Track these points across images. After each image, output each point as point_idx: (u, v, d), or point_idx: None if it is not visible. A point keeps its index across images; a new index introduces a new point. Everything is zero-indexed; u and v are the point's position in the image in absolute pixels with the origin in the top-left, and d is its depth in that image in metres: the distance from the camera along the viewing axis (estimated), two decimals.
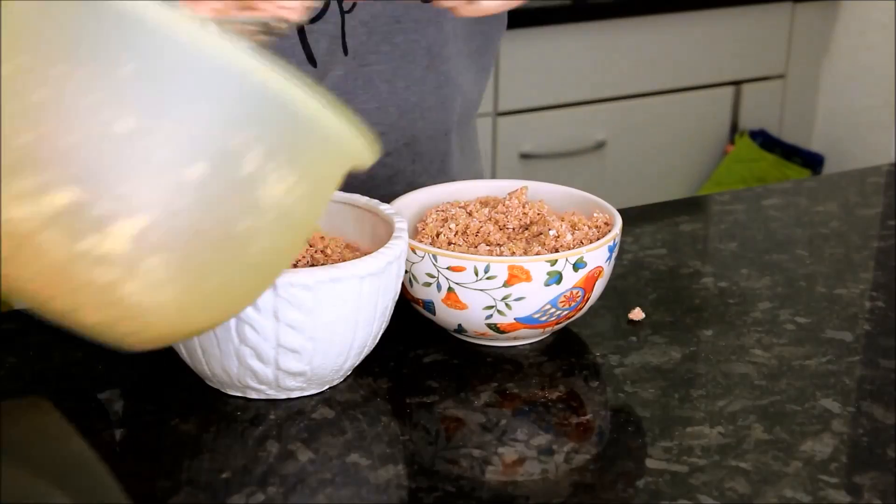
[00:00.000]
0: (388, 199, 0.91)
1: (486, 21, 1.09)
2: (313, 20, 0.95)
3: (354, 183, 0.96)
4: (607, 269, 0.86)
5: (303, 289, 0.74)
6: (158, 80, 0.52)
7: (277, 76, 0.55)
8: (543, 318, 0.84)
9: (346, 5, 0.96)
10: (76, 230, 0.53)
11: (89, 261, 0.53)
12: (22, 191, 0.52)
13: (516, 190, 0.92)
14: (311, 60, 0.97)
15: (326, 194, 0.63)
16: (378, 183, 1.04)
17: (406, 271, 0.84)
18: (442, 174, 1.10)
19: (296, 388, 0.79)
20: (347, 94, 1.00)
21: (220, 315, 0.61)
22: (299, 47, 0.95)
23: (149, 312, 0.56)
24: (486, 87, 1.17)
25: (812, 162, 2.57)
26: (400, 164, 1.06)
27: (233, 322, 0.74)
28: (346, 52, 0.98)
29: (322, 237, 0.83)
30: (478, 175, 1.18)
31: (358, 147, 0.62)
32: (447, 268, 0.82)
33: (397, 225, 0.81)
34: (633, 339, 0.90)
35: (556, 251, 0.85)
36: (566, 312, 0.85)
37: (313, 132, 0.58)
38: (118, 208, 0.53)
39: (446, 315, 0.85)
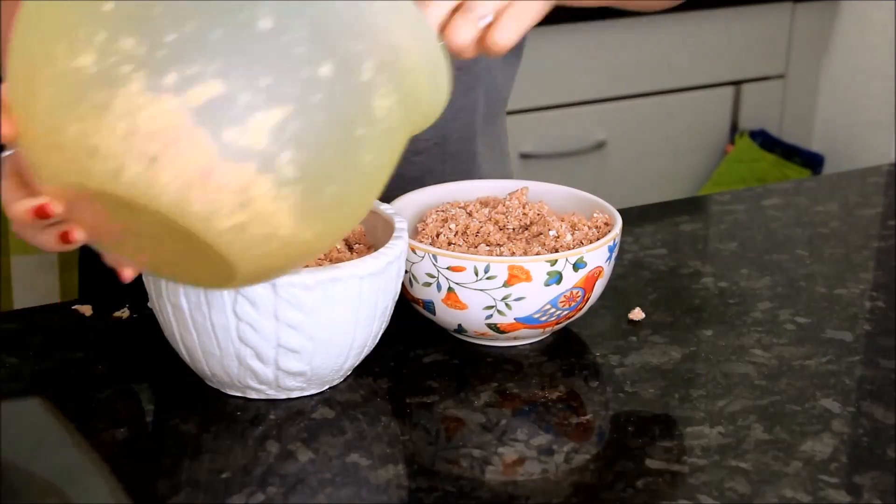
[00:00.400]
0: None
1: None
2: None
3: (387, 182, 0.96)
4: (607, 270, 0.86)
5: (303, 289, 0.74)
6: None
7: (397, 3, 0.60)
8: (543, 318, 0.84)
9: None
10: (219, 122, 0.55)
11: (230, 154, 0.56)
12: (169, 85, 0.55)
13: (516, 190, 0.92)
14: None
15: (405, 133, 0.65)
16: (408, 181, 1.03)
17: (406, 271, 0.84)
18: (471, 175, 1.10)
19: (296, 388, 0.79)
20: None
21: (333, 230, 0.63)
22: None
23: (274, 217, 0.58)
24: (513, 84, 1.16)
25: (812, 162, 2.57)
26: (430, 164, 1.06)
27: (233, 322, 0.74)
28: None
29: None
30: (507, 177, 1.17)
31: (438, 97, 0.65)
32: (447, 268, 0.82)
33: (397, 225, 0.81)
34: (633, 339, 0.90)
35: (556, 251, 0.85)
36: (566, 312, 0.85)
37: (415, 61, 0.62)
38: (258, 100, 0.55)
39: (446, 315, 0.85)
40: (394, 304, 0.81)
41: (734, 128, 2.59)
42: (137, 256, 0.67)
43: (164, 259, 0.65)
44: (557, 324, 0.86)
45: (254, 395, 0.79)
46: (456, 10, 0.74)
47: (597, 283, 0.86)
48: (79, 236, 0.64)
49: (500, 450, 0.75)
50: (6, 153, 0.66)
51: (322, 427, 0.77)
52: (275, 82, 0.56)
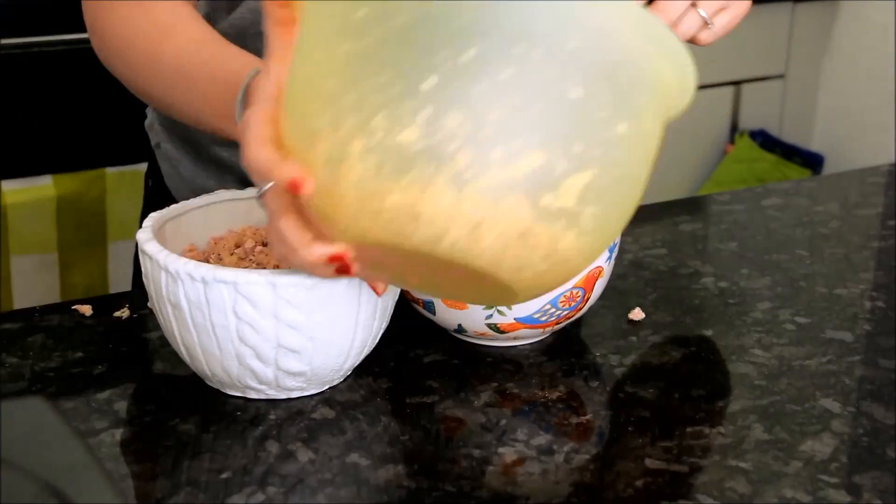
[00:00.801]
0: None
1: None
2: None
3: None
4: (607, 269, 0.86)
5: (303, 289, 0.74)
6: (600, 50, 0.60)
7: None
8: (543, 318, 0.84)
9: None
10: (538, 189, 0.59)
11: (544, 217, 0.60)
12: (496, 159, 0.58)
13: None
14: None
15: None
16: None
17: None
18: None
19: (296, 388, 0.79)
20: None
21: (606, 245, 0.67)
22: None
23: (570, 259, 0.63)
24: None
25: (812, 162, 2.57)
26: None
27: (233, 322, 0.74)
28: None
29: None
30: None
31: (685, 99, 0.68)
32: None
33: None
34: (633, 339, 0.90)
35: None
36: (566, 312, 0.85)
37: (675, 86, 0.66)
38: (571, 166, 0.60)
39: (446, 315, 0.85)
40: (394, 304, 0.81)
41: (734, 128, 2.59)
42: (407, 279, 0.71)
43: (435, 282, 0.69)
44: (557, 324, 0.86)
45: (254, 395, 0.79)
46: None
47: (597, 283, 0.86)
48: (355, 269, 0.67)
49: (500, 450, 0.75)
50: (267, 187, 0.68)
51: (322, 427, 0.77)
52: (585, 147, 0.60)
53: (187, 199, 1.08)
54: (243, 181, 1.05)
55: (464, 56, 0.58)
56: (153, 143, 1.13)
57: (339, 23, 0.61)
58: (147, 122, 1.14)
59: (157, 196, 1.14)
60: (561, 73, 0.59)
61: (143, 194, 1.19)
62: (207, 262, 0.81)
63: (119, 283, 1.90)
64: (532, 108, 0.59)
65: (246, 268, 0.77)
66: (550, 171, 0.59)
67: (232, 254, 0.82)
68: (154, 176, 1.15)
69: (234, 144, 1.01)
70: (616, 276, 0.98)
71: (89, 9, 0.91)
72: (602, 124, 0.60)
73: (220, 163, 1.07)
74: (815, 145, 2.66)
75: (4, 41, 1.78)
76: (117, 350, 0.86)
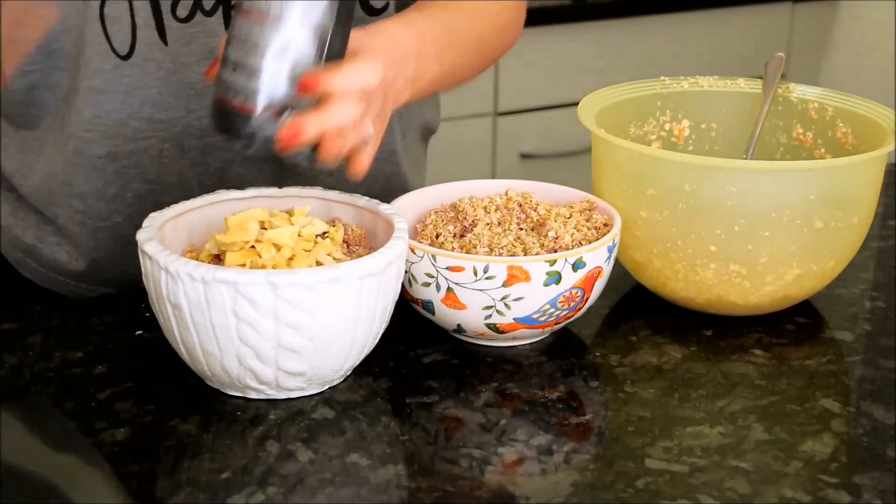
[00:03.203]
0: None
1: None
2: None
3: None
4: (606, 270, 0.86)
5: (303, 289, 0.74)
6: None
7: None
8: (543, 319, 0.84)
9: None
10: None
11: None
12: None
13: (515, 191, 0.92)
14: None
15: None
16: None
17: (405, 271, 0.84)
18: (388, 194, 1.01)
19: (296, 388, 0.79)
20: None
21: None
22: None
23: None
24: (439, 106, 1.15)
25: None
26: (345, 181, 0.98)
27: (233, 322, 0.74)
28: None
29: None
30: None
31: None
32: (446, 268, 0.82)
33: (397, 225, 0.81)
34: (633, 339, 0.90)
35: (556, 252, 0.85)
36: (565, 312, 0.85)
37: None
38: None
39: (445, 315, 0.85)
40: (394, 304, 0.81)
41: None
42: None
43: None
44: (557, 324, 0.86)
45: (254, 395, 0.79)
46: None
47: (596, 283, 0.86)
48: None
49: (500, 450, 0.75)
50: None
51: (322, 427, 0.77)
52: None
53: (6, 250, 1.05)
54: (63, 233, 1.00)
55: None
56: None
57: None
58: None
59: None
60: None
61: None
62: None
63: None
64: None
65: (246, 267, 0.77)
66: None
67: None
68: None
69: (49, 188, 0.98)
70: (616, 276, 0.98)
71: None
72: None
73: (43, 212, 1.01)
74: None
75: None
76: (117, 350, 0.86)
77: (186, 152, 0.96)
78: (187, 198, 0.91)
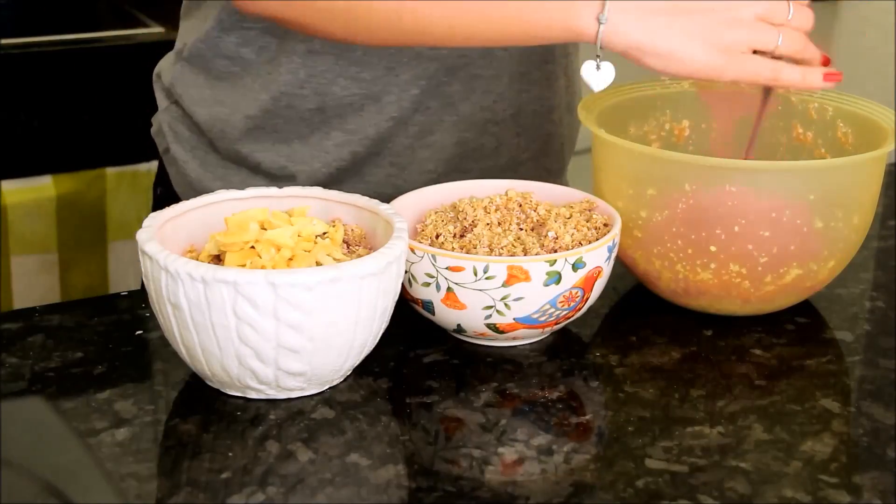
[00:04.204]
0: (494, 171, 1.05)
1: None
2: None
3: (465, 152, 1.05)
4: (606, 270, 0.86)
5: (303, 289, 0.74)
6: None
7: None
8: (543, 319, 0.84)
9: None
10: None
11: None
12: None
13: (515, 191, 0.92)
14: None
15: None
16: (486, 153, 1.06)
17: (405, 271, 0.84)
18: (543, 156, 1.11)
19: (296, 388, 0.79)
20: (465, 57, 1.02)
21: None
22: None
23: None
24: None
25: None
26: (505, 136, 1.07)
27: (233, 322, 0.74)
28: None
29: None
30: (561, 169, 1.18)
31: None
32: (446, 268, 0.82)
33: (397, 225, 0.81)
34: (633, 339, 0.90)
35: (556, 252, 0.85)
36: (565, 312, 0.85)
37: None
38: None
39: (445, 315, 0.85)
40: (394, 304, 0.81)
41: None
42: None
43: None
44: (557, 324, 0.86)
45: (254, 395, 0.79)
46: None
47: (596, 283, 0.86)
48: None
49: (500, 450, 0.75)
50: None
51: (322, 427, 0.77)
52: None
53: None
54: (250, 182, 1.05)
55: None
56: (161, 148, 1.14)
57: None
58: (154, 130, 1.15)
59: (167, 204, 1.13)
60: None
61: (152, 203, 1.19)
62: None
63: (119, 283, 1.90)
64: None
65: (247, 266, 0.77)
66: None
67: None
68: (163, 183, 1.15)
69: (254, 137, 1.05)
70: (616, 276, 0.98)
71: None
72: None
73: (228, 164, 1.07)
74: None
75: (4, 41, 1.78)
76: (117, 350, 0.86)
77: (384, 107, 1.02)
78: (378, 147, 1.02)
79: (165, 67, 1.13)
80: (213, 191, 1.02)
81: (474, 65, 1.03)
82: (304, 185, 1.04)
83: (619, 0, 0.87)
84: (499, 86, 1.05)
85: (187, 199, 1.09)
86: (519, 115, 1.07)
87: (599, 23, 0.87)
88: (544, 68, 1.07)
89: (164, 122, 1.13)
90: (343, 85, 1.02)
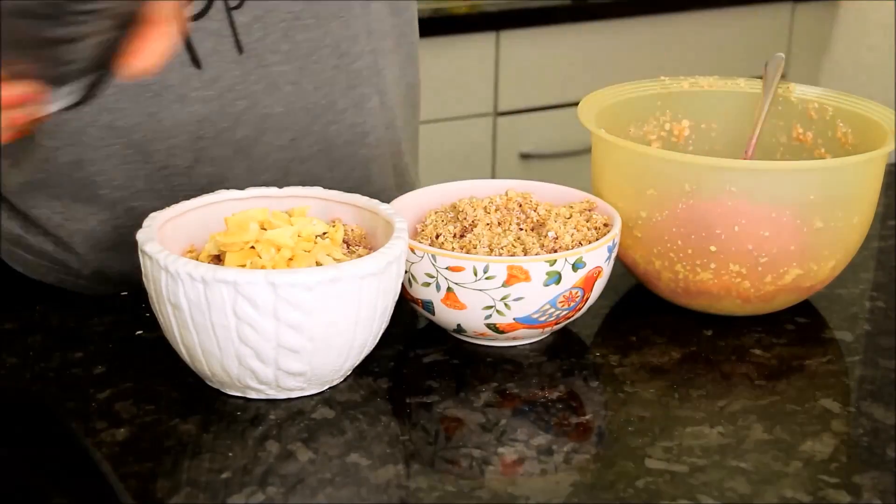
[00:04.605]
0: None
1: (397, 14, 1.04)
2: (195, 17, 0.90)
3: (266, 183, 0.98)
4: (606, 270, 0.86)
5: (303, 289, 0.74)
6: None
7: None
8: (543, 319, 0.84)
9: (233, 2, 0.92)
10: None
11: None
12: None
13: (515, 191, 0.92)
14: (195, 62, 0.92)
15: None
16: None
17: (405, 271, 0.84)
18: (366, 183, 1.04)
19: (296, 388, 0.79)
20: (248, 98, 0.95)
21: None
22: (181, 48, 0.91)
23: None
24: (418, 85, 1.10)
25: None
26: (317, 171, 1.01)
27: (233, 322, 0.74)
28: (240, 49, 0.93)
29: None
30: (411, 185, 1.11)
31: None
32: (446, 268, 0.82)
33: (397, 225, 0.81)
34: (633, 339, 0.90)
35: (556, 252, 0.85)
36: (565, 312, 0.85)
37: None
38: None
39: (445, 315, 0.85)
40: (394, 304, 0.81)
41: None
42: None
43: None
44: (557, 324, 0.86)
45: (254, 395, 0.79)
46: None
47: (596, 283, 0.86)
48: None
49: (500, 450, 0.75)
50: None
51: (322, 427, 0.77)
52: None
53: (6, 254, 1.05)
54: (46, 234, 1.00)
55: None
56: None
57: None
58: None
59: None
60: None
61: None
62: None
63: None
64: None
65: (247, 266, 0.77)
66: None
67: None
68: None
69: (44, 198, 0.98)
70: (615, 276, 0.98)
71: None
72: None
73: (26, 214, 1.01)
74: None
75: None
76: (117, 350, 0.86)
77: (150, 156, 0.95)
78: (158, 199, 0.90)
79: None
80: (14, 231, 0.99)
81: (260, 105, 0.96)
82: (80, 246, 0.99)
83: None
84: (297, 122, 0.97)
85: None
86: (330, 149, 1.00)
87: None
88: (353, 93, 1.00)
89: None
90: (96, 136, 0.93)
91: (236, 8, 0.92)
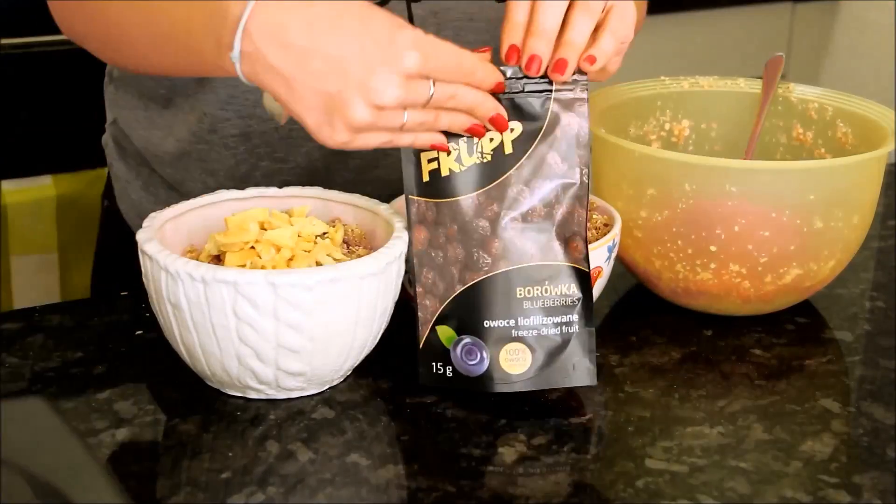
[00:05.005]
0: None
1: None
2: (379, 3, 0.90)
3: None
4: (606, 270, 0.86)
5: (303, 289, 0.74)
6: None
7: None
8: None
9: None
10: None
11: None
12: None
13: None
14: None
15: None
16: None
17: (405, 271, 0.84)
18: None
19: (296, 388, 0.79)
20: None
21: None
22: None
23: None
24: None
25: None
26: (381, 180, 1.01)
27: (233, 322, 0.74)
28: None
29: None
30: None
31: None
32: None
33: (397, 225, 0.81)
34: (633, 339, 0.90)
35: None
36: None
37: None
38: None
39: None
40: (394, 304, 0.81)
41: None
42: None
43: None
44: None
45: (254, 395, 0.79)
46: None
47: (596, 283, 0.85)
48: None
49: (500, 450, 0.75)
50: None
51: (322, 427, 0.77)
52: None
53: (135, 223, 1.07)
54: None
55: None
56: (108, 161, 1.10)
57: None
58: (103, 139, 1.11)
59: (112, 218, 1.11)
60: None
61: (100, 215, 1.15)
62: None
63: None
64: None
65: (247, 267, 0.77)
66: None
67: None
68: (109, 196, 1.11)
69: (184, 166, 1.00)
70: (615, 276, 0.98)
71: None
72: None
73: (170, 186, 1.04)
74: None
75: (4, 41, 1.78)
76: (117, 350, 0.86)
77: (301, 144, 0.97)
78: (312, 178, 0.94)
79: (106, 82, 1.08)
80: (150, 213, 1.01)
81: None
82: None
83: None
84: None
85: (129, 218, 1.08)
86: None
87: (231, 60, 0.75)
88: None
89: (109, 137, 1.09)
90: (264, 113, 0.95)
91: (416, 0, 0.94)
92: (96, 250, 1.17)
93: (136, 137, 1.04)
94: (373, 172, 1.00)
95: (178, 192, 1.03)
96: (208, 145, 0.98)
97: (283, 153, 0.98)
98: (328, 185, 0.94)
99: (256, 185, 0.98)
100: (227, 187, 0.97)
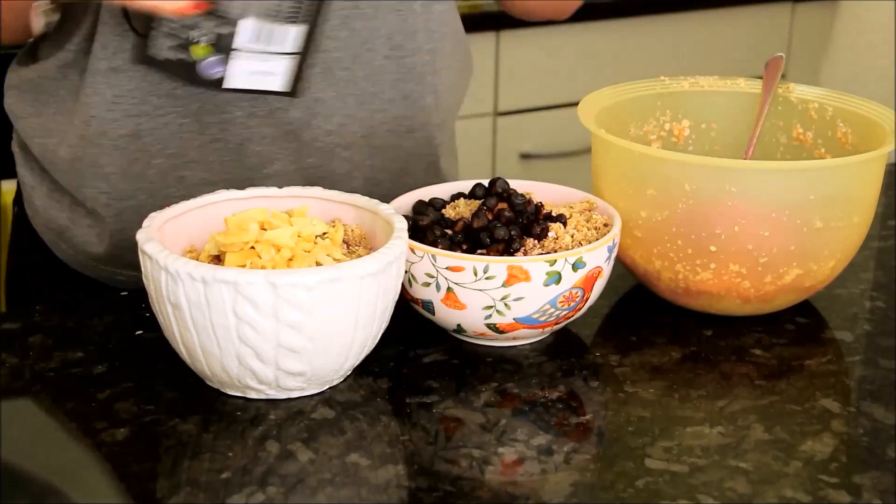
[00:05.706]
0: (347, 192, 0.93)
1: (456, 19, 1.08)
2: None
3: (316, 176, 0.99)
4: (606, 270, 0.86)
5: (303, 289, 0.74)
6: None
7: None
8: (543, 318, 0.84)
9: None
10: None
11: None
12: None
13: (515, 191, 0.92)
14: None
15: None
16: (338, 178, 1.01)
17: (406, 271, 0.84)
18: (404, 174, 1.06)
19: (296, 388, 0.79)
20: (304, 81, 0.97)
21: None
22: None
23: None
24: (465, 92, 1.13)
25: None
26: (358, 158, 1.02)
27: (233, 322, 0.74)
28: None
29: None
30: (447, 178, 1.12)
31: None
32: (446, 268, 0.82)
33: (397, 225, 0.81)
34: (633, 339, 0.90)
35: (556, 252, 0.85)
36: (565, 312, 0.85)
37: None
38: None
39: (445, 315, 0.85)
40: (394, 304, 0.81)
41: None
42: None
43: None
44: (557, 324, 0.86)
45: (254, 395, 0.79)
46: None
47: (596, 283, 0.86)
48: None
49: (500, 450, 0.75)
50: None
51: (322, 427, 0.77)
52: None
53: (41, 230, 1.07)
54: (93, 215, 1.02)
55: None
56: (17, 167, 1.09)
57: None
58: (11, 146, 1.09)
59: (22, 224, 1.10)
60: None
61: (11, 221, 1.14)
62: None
63: None
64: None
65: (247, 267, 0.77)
66: None
67: None
68: (19, 202, 1.11)
69: (78, 171, 1.00)
70: (615, 276, 0.98)
71: None
72: None
73: (73, 195, 1.03)
74: None
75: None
76: (117, 350, 0.86)
77: (205, 127, 0.97)
78: (208, 173, 0.91)
79: (6, 89, 1.07)
80: (59, 222, 1.00)
81: (314, 88, 0.98)
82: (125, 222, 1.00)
83: None
84: (345, 107, 1.00)
85: (36, 224, 1.07)
86: (371, 136, 1.02)
87: None
88: (401, 86, 1.02)
89: (15, 144, 1.08)
90: (156, 104, 0.96)
91: None
92: (7, 258, 1.16)
93: (33, 145, 1.03)
94: (271, 167, 1.00)
95: (76, 198, 1.02)
96: (99, 149, 0.98)
97: (175, 149, 0.98)
98: (228, 182, 0.96)
99: (151, 183, 0.98)
100: (120, 189, 0.99)
